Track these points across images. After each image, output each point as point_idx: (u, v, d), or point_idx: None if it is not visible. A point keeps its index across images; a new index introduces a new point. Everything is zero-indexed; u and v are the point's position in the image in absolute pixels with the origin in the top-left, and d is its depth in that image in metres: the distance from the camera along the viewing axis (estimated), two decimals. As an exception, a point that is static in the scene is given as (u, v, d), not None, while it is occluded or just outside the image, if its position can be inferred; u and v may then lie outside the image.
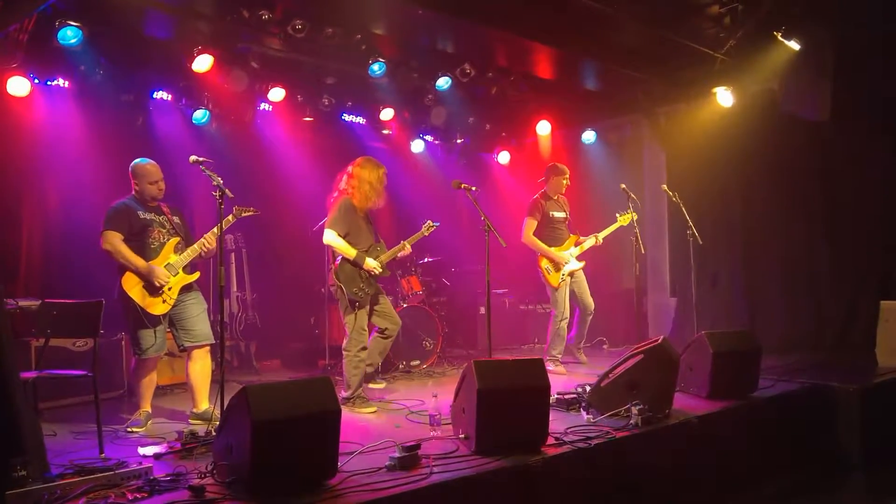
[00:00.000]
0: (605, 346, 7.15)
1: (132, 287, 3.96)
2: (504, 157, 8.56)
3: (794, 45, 5.53)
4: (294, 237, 6.86)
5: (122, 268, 3.98)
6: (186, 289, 4.15)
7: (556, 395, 4.03)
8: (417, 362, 6.19)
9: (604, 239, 5.91)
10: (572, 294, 5.87)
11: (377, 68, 5.94)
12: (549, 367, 5.74)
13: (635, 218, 5.83)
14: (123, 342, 5.11)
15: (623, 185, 5.74)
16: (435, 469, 2.94)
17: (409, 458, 2.98)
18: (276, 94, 6.27)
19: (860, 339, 5.56)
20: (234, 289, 6.50)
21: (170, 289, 4.05)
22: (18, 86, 5.12)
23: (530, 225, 5.84)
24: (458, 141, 8.23)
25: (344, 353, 4.53)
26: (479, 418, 3.17)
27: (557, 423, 3.67)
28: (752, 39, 5.76)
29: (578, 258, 5.87)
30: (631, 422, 3.62)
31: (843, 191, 5.85)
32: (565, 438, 3.40)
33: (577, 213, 6.27)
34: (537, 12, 5.29)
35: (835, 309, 5.80)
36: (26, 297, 5.00)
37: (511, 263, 7.28)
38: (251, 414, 2.59)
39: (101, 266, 4.23)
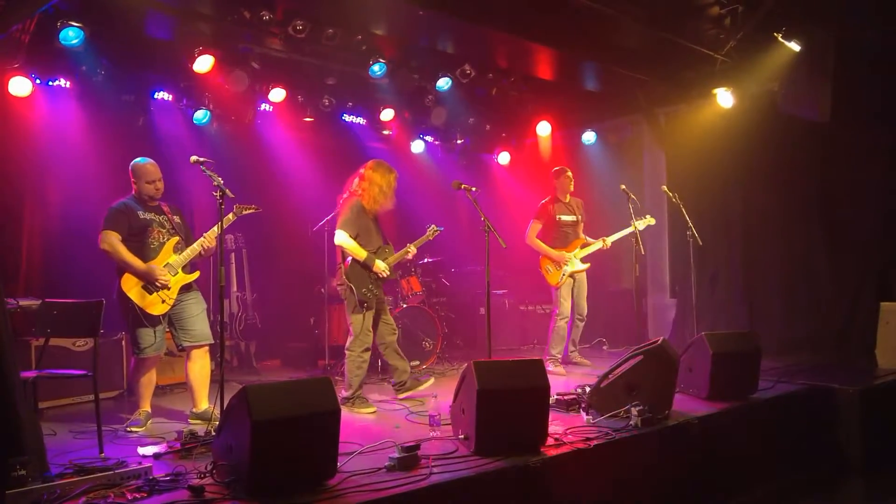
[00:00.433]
0: (604, 347, 7.15)
1: (131, 287, 3.96)
2: (504, 158, 8.57)
3: (795, 46, 5.53)
4: (294, 237, 6.87)
5: (121, 268, 3.98)
6: (186, 288, 4.16)
7: (555, 396, 4.03)
8: (417, 363, 6.19)
9: (612, 243, 5.95)
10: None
11: (378, 69, 5.95)
12: (549, 367, 5.77)
13: (652, 223, 5.92)
14: (123, 342, 5.12)
15: (623, 186, 5.75)
16: (435, 469, 2.94)
17: (409, 458, 2.98)
18: (277, 94, 6.28)
19: (860, 340, 5.55)
20: (234, 288, 6.50)
21: (169, 289, 4.06)
22: (20, 86, 5.13)
23: (534, 228, 5.95)
24: (459, 141, 8.24)
25: (347, 352, 4.54)
26: (478, 419, 3.17)
27: (557, 423, 3.68)
28: (752, 40, 5.76)
29: (584, 260, 5.92)
30: (630, 423, 3.62)
31: (843, 192, 5.84)
32: (565, 439, 3.40)
33: (576, 213, 6.29)
34: (537, 13, 5.29)
35: (835, 310, 5.80)
36: (27, 296, 5.01)
37: (511, 264, 7.29)
38: (251, 414, 2.60)
39: (102, 266, 4.24)
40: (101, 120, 5.74)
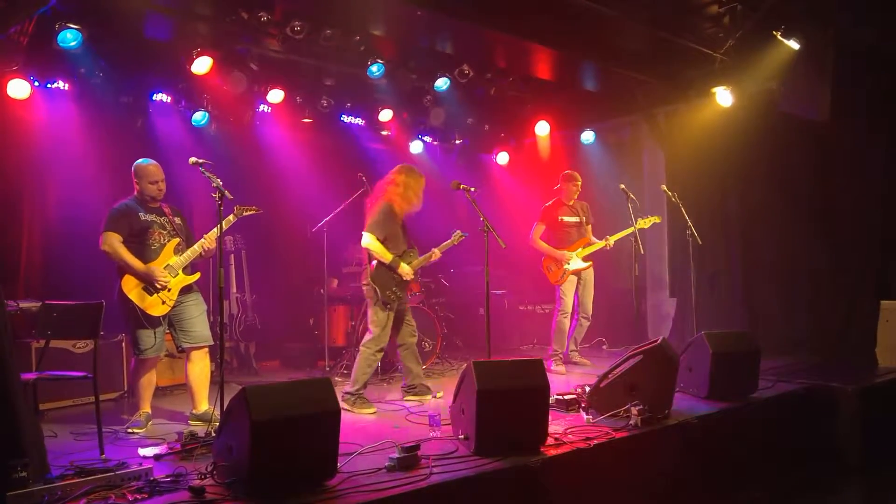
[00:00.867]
0: (604, 347, 7.15)
1: (131, 289, 3.97)
2: (503, 158, 8.56)
3: (794, 45, 5.53)
4: (294, 238, 6.87)
5: (122, 269, 3.98)
6: (186, 290, 4.16)
7: (555, 396, 4.03)
8: (417, 363, 6.18)
9: (615, 242, 5.99)
10: (574, 296, 6.02)
11: (376, 69, 5.95)
12: (551, 365, 5.81)
13: (658, 221, 5.98)
14: (124, 343, 5.12)
15: (622, 186, 5.77)
16: (434, 470, 2.94)
17: (409, 458, 2.98)
18: (275, 95, 6.28)
19: (860, 339, 5.55)
20: (234, 290, 6.50)
21: (169, 290, 4.06)
22: (18, 88, 5.13)
23: (537, 230, 6.07)
24: (457, 142, 8.24)
25: (361, 348, 4.58)
26: (478, 419, 3.17)
27: (557, 423, 3.68)
28: (751, 39, 5.76)
29: (585, 258, 5.99)
30: (630, 422, 3.62)
31: (842, 190, 5.85)
32: (565, 439, 3.41)
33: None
34: (536, 13, 5.29)
35: (834, 309, 5.80)
36: (27, 298, 5.01)
37: (510, 264, 7.29)
38: (251, 415, 2.60)
39: (101, 267, 4.24)
40: (99, 122, 5.74)
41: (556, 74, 6.60)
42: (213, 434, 3.23)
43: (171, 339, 4.22)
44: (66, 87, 5.52)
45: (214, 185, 3.69)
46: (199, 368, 4.21)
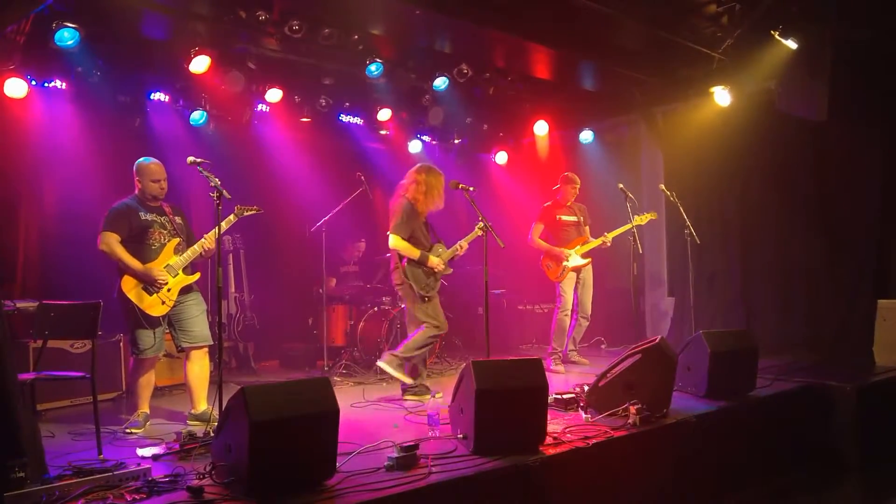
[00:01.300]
0: (602, 346, 7.16)
1: (131, 289, 3.96)
2: (502, 158, 8.56)
3: (792, 45, 5.54)
4: (292, 238, 6.86)
5: (122, 269, 3.98)
6: (186, 290, 4.15)
7: (554, 395, 4.03)
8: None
9: (612, 239, 6.02)
10: (574, 295, 6.05)
11: (374, 69, 5.95)
12: (550, 363, 5.82)
13: (654, 218, 6.00)
14: (122, 343, 5.11)
15: (621, 185, 5.77)
16: (433, 469, 2.94)
17: (408, 458, 2.98)
18: (274, 94, 6.27)
19: (857, 337, 5.56)
20: (233, 290, 6.49)
21: (169, 290, 4.05)
22: (15, 87, 5.11)
23: (536, 229, 6.11)
24: (456, 141, 8.23)
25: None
26: (477, 418, 3.17)
27: (556, 422, 3.68)
28: (749, 39, 5.77)
29: (584, 256, 6.02)
30: (629, 421, 3.62)
31: (840, 189, 5.86)
32: (563, 438, 3.40)
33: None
34: (534, 13, 5.29)
35: (832, 308, 5.81)
36: (24, 298, 5.00)
37: (509, 264, 7.29)
38: (249, 414, 2.60)
39: (99, 267, 4.23)
40: (97, 121, 5.73)
41: (555, 74, 6.60)
42: (212, 434, 3.23)
43: (171, 338, 4.22)
44: (64, 87, 5.50)
45: (213, 184, 3.68)
46: (199, 368, 4.20)
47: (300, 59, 5.97)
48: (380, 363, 4.76)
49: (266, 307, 6.69)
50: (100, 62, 5.43)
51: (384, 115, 7.07)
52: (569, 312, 5.99)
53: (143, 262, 4.00)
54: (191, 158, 3.76)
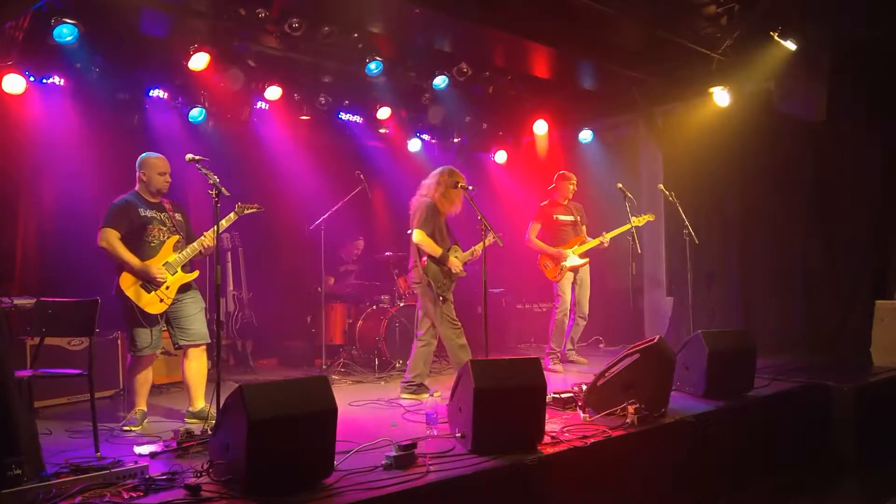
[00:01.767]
0: (601, 346, 7.17)
1: (129, 286, 3.95)
2: (501, 157, 8.56)
3: (791, 45, 5.55)
4: (291, 236, 6.86)
5: (120, 266, 3.97)
6: (184, 288, 4.14)
7: (552, 395, 4.03)
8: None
9: (611, 239, 6.02)
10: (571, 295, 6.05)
11: (374, 67, 5.94)
12: (549, 363, 5.82)
13: (652, 219, 6.01)
14: (119, 340, 5.10)
15: (619, 185, 5.77)
16: (431, 468, 2.93)
17: (406, 456, 2.98)
18: (273, 92, 6.26)
19: (855, 338, 5.57)
20: (231, 287, 6.48)
21: (167, 287, 4.04)
22: (14, 83, 5.10)
23: (533, 229, 6.11)
24: (456, 140, 8.23)
25: (445, 342, 4.82)
26: (475, 417, 3.17)
27: (554, 422, 3.68)
28: (748, 39, 5.78)
29: (582, 255, 6.02)
30: (627, 421, 3.62)
31: (838, 190, 5.87)
32: (561, 437, 3.40)
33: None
34: (534, 12, 5.29)
35: (830, 308, 5.82)
36: (21, 295, 4.98)
37: (508, 263, 7.29)
38: (247, 413, 2.59)
39: (97, 264, 4.22)
40: (95, 118, 5.71)
41: (555, 73, 6.60)
42: (210, 432, 3.22)
43: (169, 336, 4.21)
44: (62, 83, 5.49)
45: (211, 182, 3.68)
46: (196, 366, 4.19)
47: (300, 57, 5.96)
48: (402, 397, 4.79)
49: (264, 305, 6.69)
50: (99, 59, 5.42)
51: (384, 113, 7.07)
52: (567, 312, 6.00)
53: (142, 259, 3.99)
54: (189, 156, 3.75)
